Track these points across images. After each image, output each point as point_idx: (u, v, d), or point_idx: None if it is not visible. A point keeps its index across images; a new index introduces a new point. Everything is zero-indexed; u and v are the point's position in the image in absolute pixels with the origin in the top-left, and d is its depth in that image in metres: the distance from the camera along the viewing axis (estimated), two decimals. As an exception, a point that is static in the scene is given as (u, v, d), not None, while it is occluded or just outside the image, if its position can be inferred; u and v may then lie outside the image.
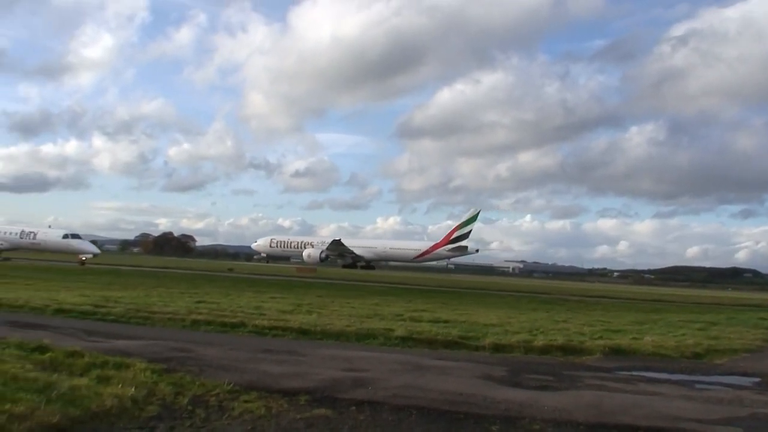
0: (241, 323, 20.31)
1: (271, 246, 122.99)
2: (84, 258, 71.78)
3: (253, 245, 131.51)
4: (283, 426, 9.44)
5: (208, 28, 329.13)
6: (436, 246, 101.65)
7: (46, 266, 59.12)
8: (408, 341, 19.07)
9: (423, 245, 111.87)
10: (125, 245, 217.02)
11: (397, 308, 29.22)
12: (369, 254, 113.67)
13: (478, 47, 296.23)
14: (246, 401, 10.56)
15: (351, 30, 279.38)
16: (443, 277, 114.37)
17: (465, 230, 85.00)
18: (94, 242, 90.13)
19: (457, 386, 12.61)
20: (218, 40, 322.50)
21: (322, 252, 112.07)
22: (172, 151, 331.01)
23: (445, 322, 24.09)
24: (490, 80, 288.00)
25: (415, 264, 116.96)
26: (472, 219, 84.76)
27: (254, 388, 11.44)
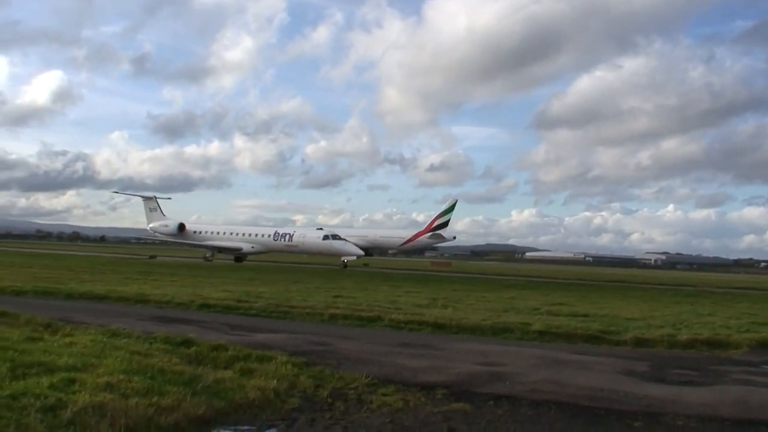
0: (378, 317, 20.44)
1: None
2: (346, 260, 67.86)
3: None
4: (421, 419, 9.41)
5: (344, 26, 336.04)
6: (419, 234, 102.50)
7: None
8: (546, 335, 18.71)
9: (407, 233, 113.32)
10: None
11: (533, 302, 28.80)
12: (362, 242, 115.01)
13: (619, 32, 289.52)
14: (384, 394, 10.61)
15: (487, 20, 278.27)
16: (581, 270, 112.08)
17: (444, 219, 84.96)
18: None
19: (597, 381, 12.28)
20: (354, 37, 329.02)
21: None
22: (310, 149, 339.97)
23: (584, 315, 23.51)
24: (632, 66, 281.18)
25: (400, 251, 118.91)
26: (450, 209, 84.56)
27: (392, 382, 11.49)
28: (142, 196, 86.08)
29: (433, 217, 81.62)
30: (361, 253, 71.28)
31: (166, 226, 78.91)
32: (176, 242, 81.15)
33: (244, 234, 75.79)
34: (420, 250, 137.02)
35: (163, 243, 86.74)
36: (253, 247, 73.86)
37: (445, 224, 79.78)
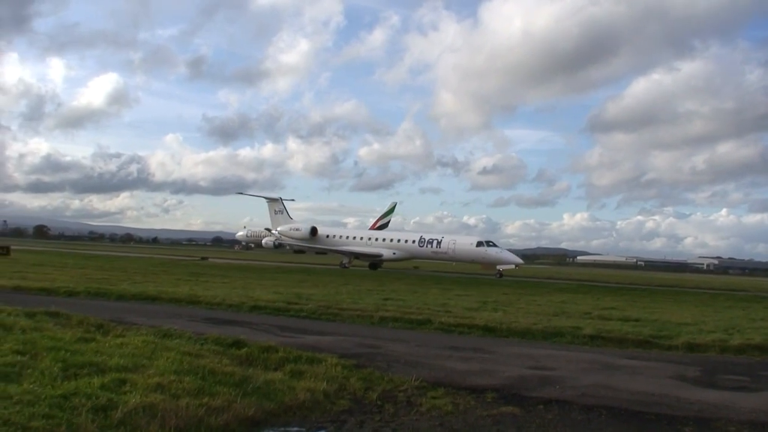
0: (428, 320, 20.37)
1: (248, 236, 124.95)
2: (502, 269, 60.04)
3: (237, 235, 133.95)
4: (471, 422, 9.36)
5: (400, 29, 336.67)
6: None
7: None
8: (597, 340, 18.48)
9: None
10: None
11: (584, 306, 28.54)
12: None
13: (676, 35, 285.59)
14: (433, 397, 10.58)
15: (543, 22, 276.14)
16: (633, 274, 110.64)
17: (386, 220, 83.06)
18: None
19: (648, 386, 12.10)
20: (410, 40, 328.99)
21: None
22: (363, 152, 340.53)
23: (636, 320, 23.20)
24: (689, 69, 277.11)
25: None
26: (390, 211, 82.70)
27: (441, 385, 11.44)
28: (267, 198, 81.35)
29: (376, 219, 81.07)
30: (520, 261, 63.74)
31: (297, 230, 73.90)
32: (308, 247, 77.81)
33: (384, 239, 70.29)
34: None
35: (298, 250, 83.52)
36: (395, 254, 68.12)
37: (386, 225, 79.05)
